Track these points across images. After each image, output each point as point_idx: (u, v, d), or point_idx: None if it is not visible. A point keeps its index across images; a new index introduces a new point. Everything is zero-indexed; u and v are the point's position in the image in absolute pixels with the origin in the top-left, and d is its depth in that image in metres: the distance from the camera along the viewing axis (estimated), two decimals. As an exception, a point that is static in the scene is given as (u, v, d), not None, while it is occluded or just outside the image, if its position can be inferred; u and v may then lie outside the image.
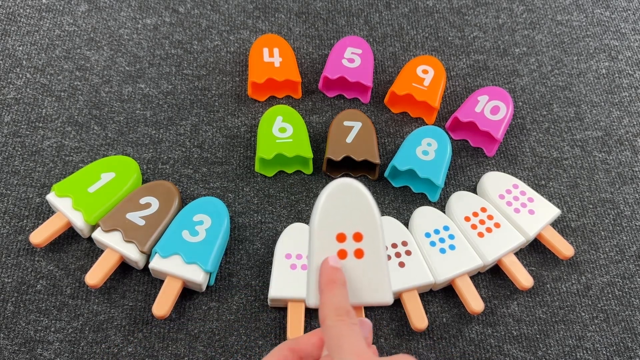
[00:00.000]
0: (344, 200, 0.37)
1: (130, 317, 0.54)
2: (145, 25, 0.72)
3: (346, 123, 0.63)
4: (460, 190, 0.63)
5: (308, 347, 0.37)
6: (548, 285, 0.58)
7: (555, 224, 0.61)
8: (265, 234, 0.59)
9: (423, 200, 0.63)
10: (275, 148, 0.60)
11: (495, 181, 0.62)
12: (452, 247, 0.57)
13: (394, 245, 0.57)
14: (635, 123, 0.69)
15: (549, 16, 0.77)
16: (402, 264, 0.55)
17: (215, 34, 0.72)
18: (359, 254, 0.37)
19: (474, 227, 0.58)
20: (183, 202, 0.59)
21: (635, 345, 0.56)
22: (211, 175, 0.62)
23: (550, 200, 0.63)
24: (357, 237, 0.37)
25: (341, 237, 0.37)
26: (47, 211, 0.59)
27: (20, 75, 0.66)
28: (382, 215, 0.60)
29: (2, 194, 0.59)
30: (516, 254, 0.59)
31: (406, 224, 0.60)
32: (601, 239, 0.61)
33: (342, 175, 0.63)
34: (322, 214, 0.37)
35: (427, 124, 0.67)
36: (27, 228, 0.58)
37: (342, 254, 0.37)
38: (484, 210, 0.59)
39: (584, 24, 0.77)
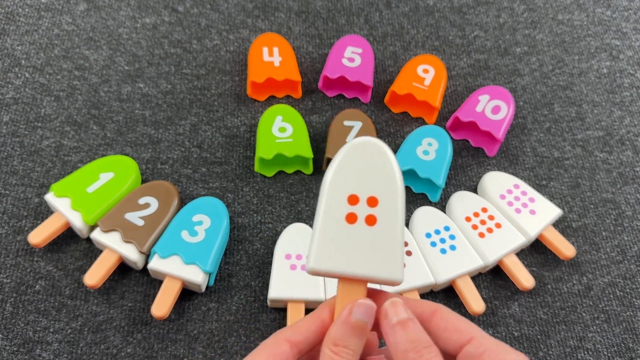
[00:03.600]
0: (363, 159, 0.33)
1: (129, 317, 0.54)
2: (144, 24, 0.72)
3: (346, 123, 0.63)
4: (461, 190, 0.63)
5: (309, 336, 0.32)
6: (549, 286, 0.58)
7: (556, 224, 0.61)
8: (265, 234, 0.59)
9: (423, 200, 0.62)
10: (275, 148, 0.60)
11: (496, 181, 0.61)
12: (452, 247, 0.56)
13: (395, 246, 0.56)
14: (636, 123, 0.69)
15: (550, 15, 0.77)
16: (402, 265, 0.55)
17: (214, 33, 0.72)
18: (370, 220, 0.32)
19: (474, 227, 0.58)
20: (182, 202, 0.59)
21: (636, 346, 0.55)
22: (210, 175, 0.62)
23: (551, 201, 0.62)
24: (372, 201, 0.33)
25: (353, 200, 0.33)
26: (46, 211, 0.58)
27: (19, 75, 0.66)
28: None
29: (0, 194, 0.59)
30: (517, 254, 0.59)
31: (407, 224, 0.60)
32: (602, 239, 0.61)
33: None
34: (337, 171, 0.33)
35: (427, 124, 0.67)
36: (25, 228, 0.57)
37: (351, 218, 0.33)
38: (484, 210, 0.59)
39: (585, 23, 0.76)
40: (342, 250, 0.32)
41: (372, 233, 0.32)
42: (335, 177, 0.33)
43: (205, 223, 0.55)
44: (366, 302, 0.31)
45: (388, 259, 0.33)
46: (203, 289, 0.55)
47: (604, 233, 0.61)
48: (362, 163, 0.33)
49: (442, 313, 0.32)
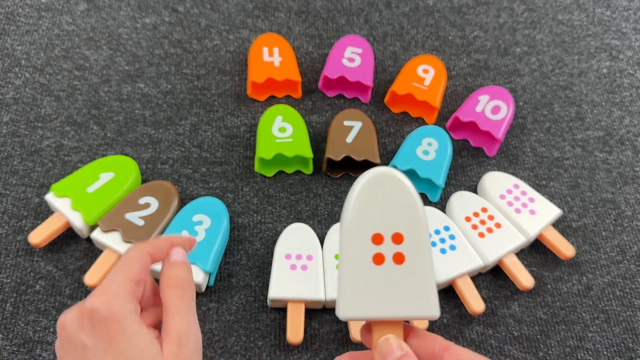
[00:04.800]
0: (382, 193, 0.31)
1: (130, 317, 0.54)
2: (144, 24, 0.72)
3: (346, 123, 0.63)
4: (460, 190, 0.63)
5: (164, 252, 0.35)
6: (549, 286, 0.58)
7: (556, 224, 0.61)
8: (264, 234, 0.59)
9: (424, 200, 0.62)
10: (275, 148, 0.60)
11: (496, 181, 0.61)
12: (452, 247, 0.56)
13: (395, 246, 0.56)
14: (636, 123, 0.69)
15: (549, 15, 0.77)
16: (402, 265, 0.55)
17: (214, 33, 0.72)
18: (398, 258, 0.31)
19: (474, 227, 0.58)
20: (182, 202, 0.59)
21: (636, 346, 0.55)
22: (210, 175, 0.62)
23: (551, 200, 0.62)
24: (397, 238, 0.31)
25: (377, 239, 0.31)
26: (46, 211, 0.58)
27: (19, 75, 0.66)
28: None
29: (1, 194, 0.59)
30: (517, 254, 0.59)
31: (406, 224, 0.60)
32: (602, 239, 0.61)
33: (342, 176, 0.63)
34: (355, 210, 0.31)
35: (427, 124, 0.67)
36: (26, 228, 0.57)
37: (378, 259, 0.31)
38: (484, 210, 0.59)
39: (585, 23, 0.76)
40: (373, 293, 0.31)
41: (402, 271, 0.31)
42: (355, 217, 0.31)
43: (205, 223, 0.55)
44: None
45: (422, 294, 0.31)
46: (203, 288, 0.55)
47: (603, 233, 0.61)
48: (381, 198, 0.31)
49: (454, 350, 0.32)
